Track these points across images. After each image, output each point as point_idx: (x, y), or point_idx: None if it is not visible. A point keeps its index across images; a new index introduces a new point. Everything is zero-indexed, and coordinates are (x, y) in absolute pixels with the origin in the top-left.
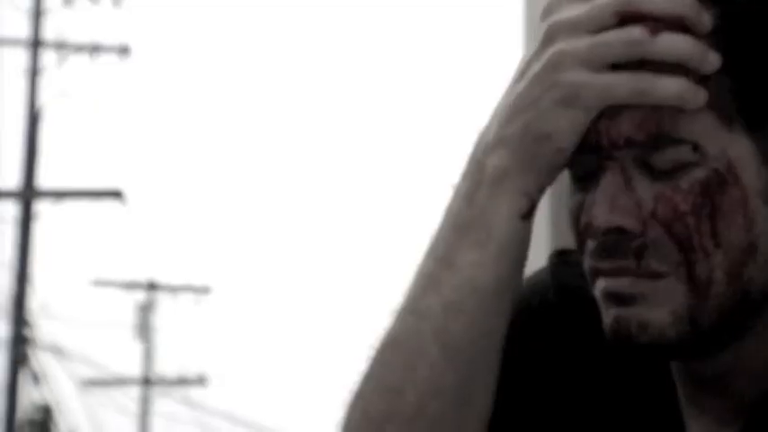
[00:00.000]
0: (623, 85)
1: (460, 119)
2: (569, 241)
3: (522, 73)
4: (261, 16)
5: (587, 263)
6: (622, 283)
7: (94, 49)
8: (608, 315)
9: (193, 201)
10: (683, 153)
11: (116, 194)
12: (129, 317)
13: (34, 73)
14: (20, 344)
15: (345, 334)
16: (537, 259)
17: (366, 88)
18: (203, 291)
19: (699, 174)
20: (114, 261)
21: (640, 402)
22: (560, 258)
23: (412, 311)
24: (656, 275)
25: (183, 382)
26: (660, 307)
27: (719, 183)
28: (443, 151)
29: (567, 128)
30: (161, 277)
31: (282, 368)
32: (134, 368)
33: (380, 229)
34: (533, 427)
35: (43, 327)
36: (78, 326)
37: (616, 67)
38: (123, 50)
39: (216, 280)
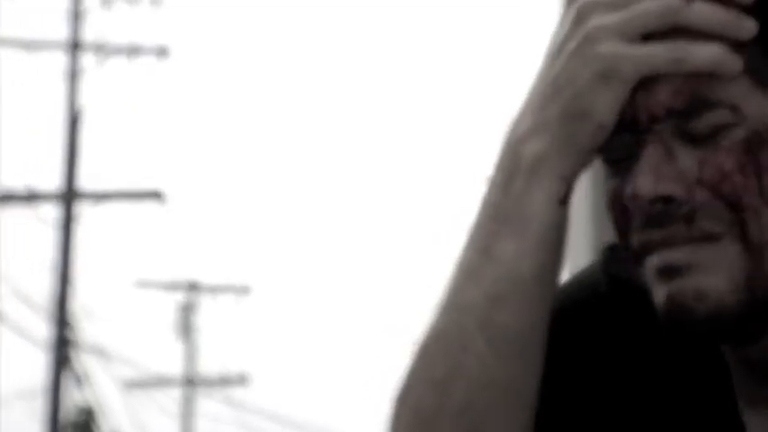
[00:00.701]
0: (660, 54)
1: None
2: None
3: (553, 55)
4: (298, 16)
5: (635, 241)
6: (675, 254)
7: (133, 50)
8: (661, 293)
9: (233, 200)
10: (722, 116)
11: (156, 195)
12: (170, 317)
13: (74, 75)
14: (62, 346)
15: (386, 330)
16: (579, 248)
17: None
18: (243, 290)
19: (739, 134)
20: (155, 261)
21: (695, 393)
22: (610, 252)
23: (454, 305)
24: (710, 237)
25: (225, 382)
26: (717, 274)
27: (760, 141)
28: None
29: (607, 102)
30: (201, 277)
31: (324, 366)
32: (176, 369)
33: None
34: (584, 420)
35: (85, 328)
36: (120, 327)
37: (649, 38)
38: (162, 52)
39: (256, 279)
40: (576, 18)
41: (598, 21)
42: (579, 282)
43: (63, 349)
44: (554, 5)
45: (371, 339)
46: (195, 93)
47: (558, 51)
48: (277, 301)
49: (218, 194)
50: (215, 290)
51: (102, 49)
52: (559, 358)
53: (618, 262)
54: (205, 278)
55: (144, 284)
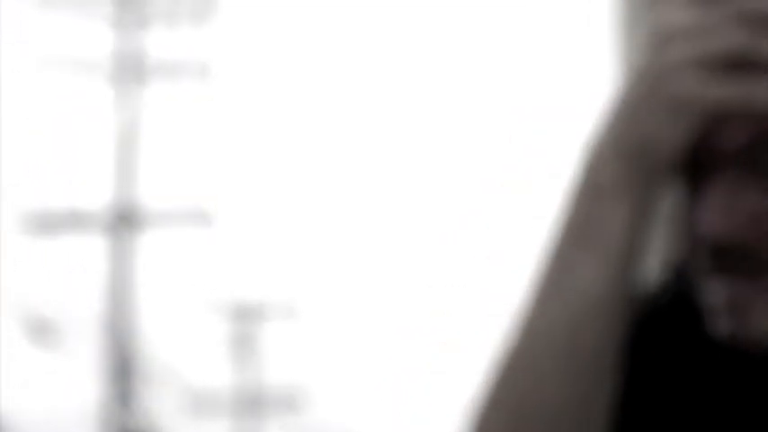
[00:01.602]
0: (735, 95)
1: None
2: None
3: (630, 79)
4: (338, 30)
5: (700, 270)
6: (741, 290)
7: (175, 68)
8: (723, 324)
9: (280, 217)
10: None
11: (203, 216)
12: (225, 337)
13: (120, 95)
14: (121, 371)
15: (437, 340)
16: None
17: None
18: (290, 310)
19: None
20: (201, 281)
21: (755, 411)
22: (674, 268)
23: (533, 330)
24: None
25: (290, 401)
26: None
27: None
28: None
29: (676, 136)
30: (250, 296)
31: (382, 380)
32: (229, 388)
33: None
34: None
35: (145, 351)
36: (176, 348)
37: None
38: (203, 70)
39: (305, 296)
40: (656, 43)
41: (676, 51)
42: (645, 298)
43: (121, 373)
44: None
45: (421, 351)
46: (236, 110)
47: (636, 77)
48: (327, 319)
49: (264, 212)
50: (271, 310)
51: (143, 68)
52: (627, 376)
53: (682, 276)
54: (253, 297)
55: (210, 308)
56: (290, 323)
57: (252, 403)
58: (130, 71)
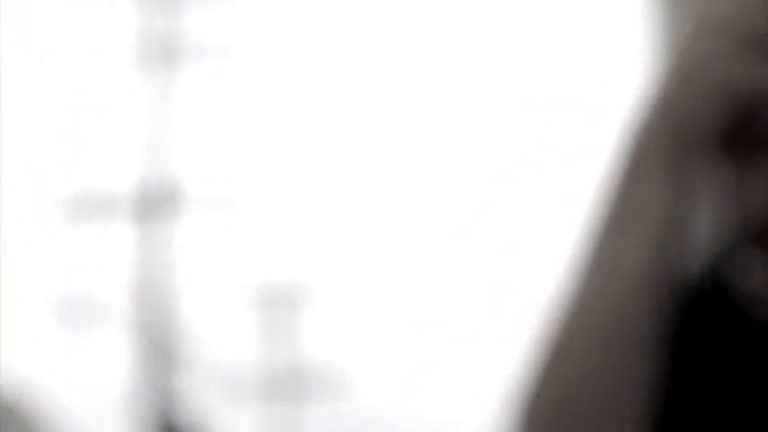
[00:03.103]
0: None
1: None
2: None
3: (673, 64)
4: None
5: (743, 252)
6: None
7: (197, 49)
8: (765, 306)
9: (299, 202)
10: None
11: (228, 201)
12: (259, 323)
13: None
14: (160, 360)
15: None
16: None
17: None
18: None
19: None
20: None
21: None
22: (717, 253)
23: (574, 312)
24: None
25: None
26: None
27: None
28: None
29: (718, 119)
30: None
31: (414, 365)
32: (265, 375)
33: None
34: (702, 416)
35: (181, 337)
36: (212, 333)
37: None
38: (225, 51)
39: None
40: (699, 29)
41: (719, 37)
42: (687, 279)
43: (156, 359)
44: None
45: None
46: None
47: (679, 62)
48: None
49: (284, 196)
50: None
51: (169, 48)
52: (674, 358)
53: (727, 256)
54: (284, 282)
55: (244, 292)
56: (320, 307)
57: (290, 388)
58: (158, 53)
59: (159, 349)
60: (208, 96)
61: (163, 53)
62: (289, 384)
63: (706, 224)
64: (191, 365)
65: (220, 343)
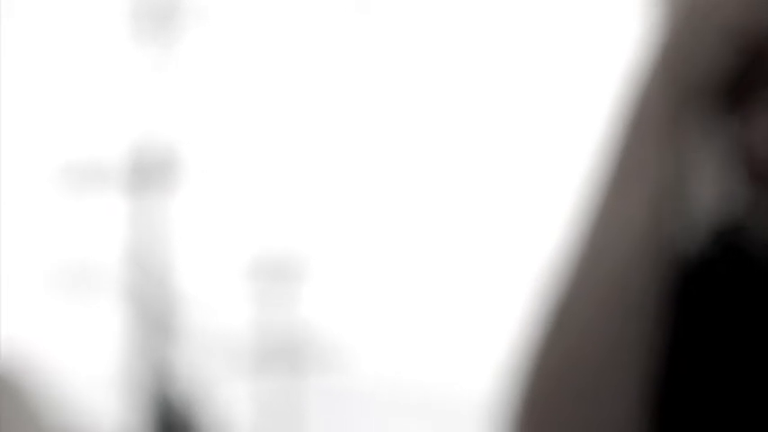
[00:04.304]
0: None
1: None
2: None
3: (676, 12)
4: None
5: (754, 201)
6: None
7: (193, 15)
8: None
9: (297, 170)
10: None
11: (224, 169)
12: (258, 294)
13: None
14: (157, 331)
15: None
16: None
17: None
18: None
19: None
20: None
21: None
22: (727, 206)
23: (576, 273)
24: None
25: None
26: None
27: None
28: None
29: (725, 62)
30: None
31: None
32: (263, 347)
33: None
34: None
35: (178, 308)
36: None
37: None
38: (222, 17)
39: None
40: None
41: None
42: (695, 242)
43: (152, 330)
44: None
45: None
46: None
47: (682, 10)
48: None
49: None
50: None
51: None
52: (677, 322)
53: (738, 218)
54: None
55: (241, 263)
56: (318, 278)
57: (287, 359)
58: (153, 20)
59: (154, 319)
60: (204, 64)
61: (158, 19)
62: (285, 355)
63: (711, 182)
64: (186, 336)
65: (216, 313)
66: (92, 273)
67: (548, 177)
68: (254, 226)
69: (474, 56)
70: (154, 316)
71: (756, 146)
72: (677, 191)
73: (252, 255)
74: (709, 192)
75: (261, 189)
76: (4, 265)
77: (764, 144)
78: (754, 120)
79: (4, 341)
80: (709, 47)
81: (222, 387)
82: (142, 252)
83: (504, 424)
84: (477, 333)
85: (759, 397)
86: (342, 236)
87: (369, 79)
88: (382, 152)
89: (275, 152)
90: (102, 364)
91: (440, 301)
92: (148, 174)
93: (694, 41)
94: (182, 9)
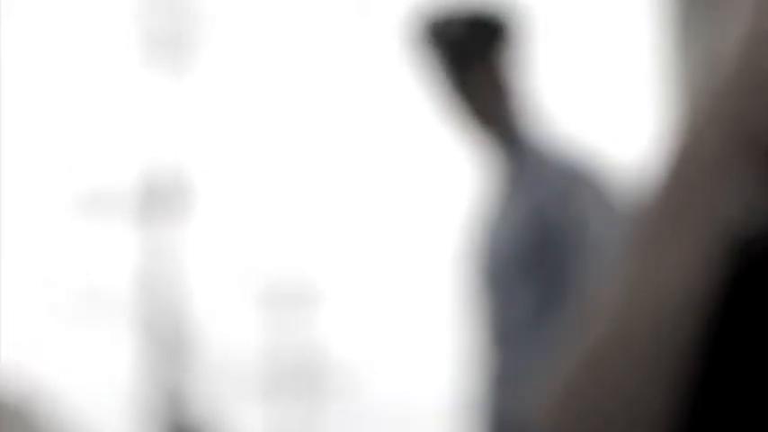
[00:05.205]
0: None
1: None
2: None
3: (731, 56)
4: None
5: None
6: None
7: (205, 42)
8: None
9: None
10: None
11: (236, 196)
12: (270, 321)
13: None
14: (170, 357)
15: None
16: None
17: None
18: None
19: None
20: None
21: None
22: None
23: (618, 315)
24: None
25: (345, 383)
26: None
27: None
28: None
29: None
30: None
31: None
32: (278, 373)
33: None
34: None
35: (190, 335)
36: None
37: None
38: (234, 44)
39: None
40: (756, 16)
41: None
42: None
43: (165, 356)
44: None
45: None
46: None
47: (738, 55)
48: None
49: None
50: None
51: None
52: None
53: None
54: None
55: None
56: (330, 304)
57: (300, 385)
58: (164, 46)
59: (167, 345)
60: (215, 89)
61: (169, 45)
62: (298, 380)
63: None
64: (199, 362)
65: (229, 338)
66: (104, 299)
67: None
68: (265, 251)
69: None
70: (166, 342)
71: None
72: (728, 241)
73: (264, 280)
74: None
75: (273, 214)
76: (16, 292)
77: None
78: None
79: (16, 368)
80: (762, 96)
81: (235, 412)
82: (154, 278)
83: None
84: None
85: None
86: (353, 260)
87: (380, 107)
88: (392, 174)
89: (286, 177)
90: (115, 390)
91: (453, 324)
92: (159, 200)
93: (752, 94)
94: (192, 35)
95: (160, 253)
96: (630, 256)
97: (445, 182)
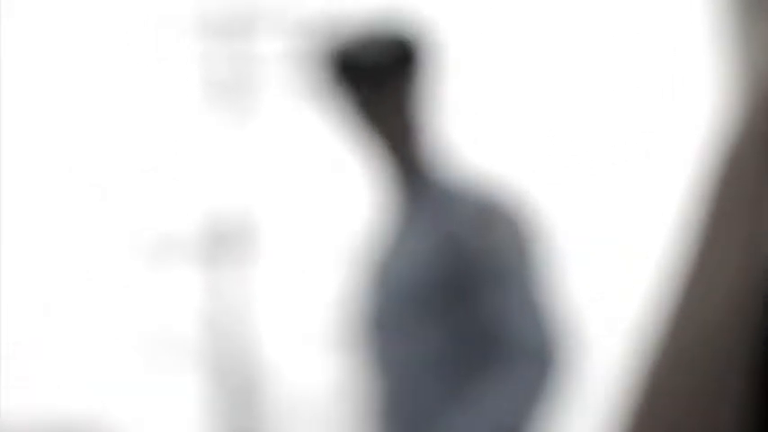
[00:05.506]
0: None
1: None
2: None
3: None
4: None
5: None
6: None
7: (268, 82)
8: None
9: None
10: None
11: (301, 237)
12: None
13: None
14: (240, 406)
15: None
16: None
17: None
18: None
19: None
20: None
21: None
22: None
23: (680, 326)
24: None
25: None
26: None
27: None
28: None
29: None
30: None
31: None
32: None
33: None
34: None
35: (264, 379)
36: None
37: None
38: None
39: None
40: None
41: None
42: None
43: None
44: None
45: None
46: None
47: None
48: None
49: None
50: None
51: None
52: None
53: None
54: None
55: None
56: None
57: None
58: (227, 89)
59: (236, 389)
60: (277, 131)
61: (231, 88)
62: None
63: None
64: (268, 404)
65: (298, 380)
66: (172, 343)
67: (634, 225)
68: (331, 292)
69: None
70: (236, 385)
71: None
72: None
73: (330, 320)
74: None
75: (336, 255)
76: (86, 337)
77: None
78: None
79: (86, 411)
80: None
81: None
82: (221, 321)
83: None
84: None
85: None
86: None
87: None
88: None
89: (348, 215)
90: None
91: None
92: (225, 243)
93: None
94: (254, 77)
95: (228, 296)
96: (676, 284)
97: (345, 202)
